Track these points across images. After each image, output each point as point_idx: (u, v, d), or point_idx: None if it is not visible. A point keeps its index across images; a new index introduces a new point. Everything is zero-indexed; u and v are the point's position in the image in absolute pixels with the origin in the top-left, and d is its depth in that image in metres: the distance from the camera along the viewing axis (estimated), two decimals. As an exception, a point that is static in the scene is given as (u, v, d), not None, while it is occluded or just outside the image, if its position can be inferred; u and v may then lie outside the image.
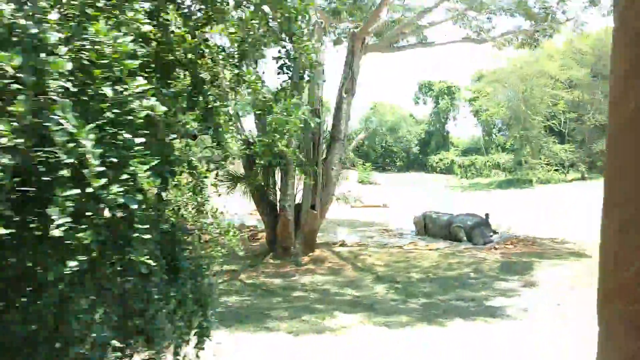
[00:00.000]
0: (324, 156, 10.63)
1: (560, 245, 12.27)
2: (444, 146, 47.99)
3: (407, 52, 13.20)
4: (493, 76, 37.75)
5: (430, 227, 14.20)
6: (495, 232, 13.58)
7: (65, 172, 1.98)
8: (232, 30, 3.50)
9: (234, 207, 13.43)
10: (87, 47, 2.20)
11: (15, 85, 1.90)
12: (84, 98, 2.21)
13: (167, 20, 3.10)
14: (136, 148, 2.21)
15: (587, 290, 8.18)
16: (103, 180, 1.99)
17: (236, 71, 3.59)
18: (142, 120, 2.27)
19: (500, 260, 10.38)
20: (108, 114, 2.18)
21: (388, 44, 12.14)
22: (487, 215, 13.77)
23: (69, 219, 1.92)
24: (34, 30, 2.00)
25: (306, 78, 5.31)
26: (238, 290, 8.21)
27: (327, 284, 8.68)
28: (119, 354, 2.71)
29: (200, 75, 3.26)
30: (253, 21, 3.56)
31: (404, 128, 47.76)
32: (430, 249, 11.17)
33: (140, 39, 2.63)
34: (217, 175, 4.72)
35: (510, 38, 12.98)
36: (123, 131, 2.21)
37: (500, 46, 13.41)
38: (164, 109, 2.37)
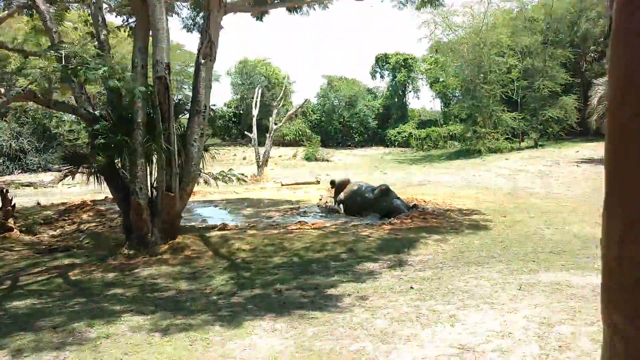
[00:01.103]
0: (182, 131, 9.41)
1: (465, 217, 11.35)
2: (403, 119, 46.89)
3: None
4: (447, 46, 36.66)
5: (354, 199, 13.15)
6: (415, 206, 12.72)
7: None
8: None
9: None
10: None
11: None
12: None
13: None
14: None
15: (455, 269, 7.21)
16: None
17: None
18: None
19: (384, 237, 9.36)
20: None
21: (251, 3, 10.78)
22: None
23: None
24: None
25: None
26: (48, 290, 7.00)
27: (164, 277, 7.52)
28: None
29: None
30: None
31: (361, 102, 46.48)
32: (313, 228, 10.08)
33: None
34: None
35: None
36: None
37: (400, 6, 12.19)
38: None
